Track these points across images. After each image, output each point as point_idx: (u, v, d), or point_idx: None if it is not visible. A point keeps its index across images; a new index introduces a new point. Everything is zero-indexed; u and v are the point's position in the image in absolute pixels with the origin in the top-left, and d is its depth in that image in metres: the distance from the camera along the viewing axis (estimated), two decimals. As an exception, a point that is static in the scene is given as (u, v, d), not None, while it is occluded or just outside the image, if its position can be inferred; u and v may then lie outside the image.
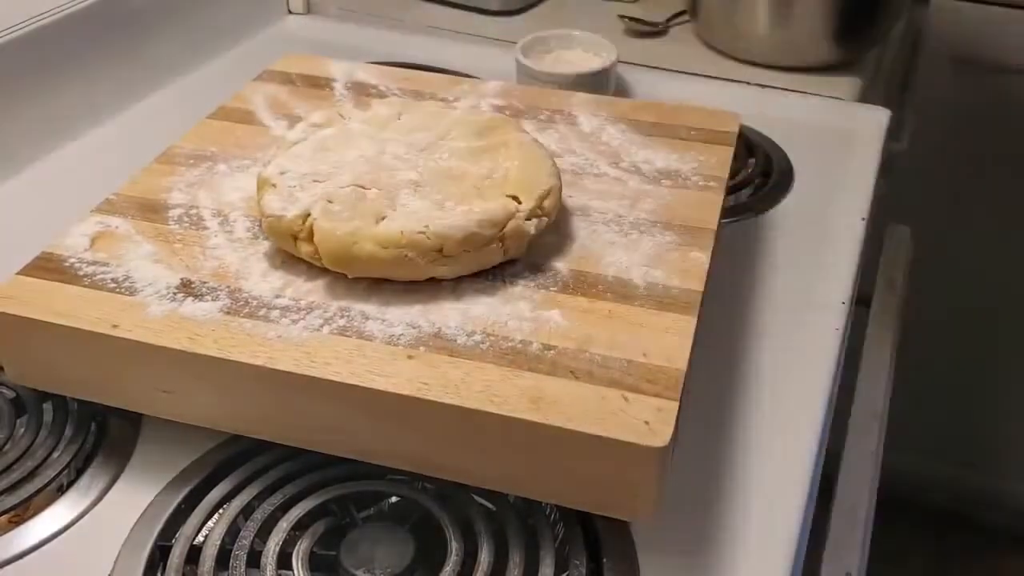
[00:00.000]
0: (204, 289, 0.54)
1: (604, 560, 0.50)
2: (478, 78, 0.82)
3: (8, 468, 0.54)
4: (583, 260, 0.57)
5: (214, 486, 0.53)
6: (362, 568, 0.48)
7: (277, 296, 0.54)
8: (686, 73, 0.98)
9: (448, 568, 0.48)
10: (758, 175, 0.82)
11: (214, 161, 0.66)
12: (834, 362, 0.63)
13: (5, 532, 0.51)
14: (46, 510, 0.52)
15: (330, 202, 0.55)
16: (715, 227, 0.60)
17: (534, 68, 0.88)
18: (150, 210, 0.60)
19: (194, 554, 0.49)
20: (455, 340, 0.51)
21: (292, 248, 0.55)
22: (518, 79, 0.90)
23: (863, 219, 0.76)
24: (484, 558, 0.49)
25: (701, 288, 0.55)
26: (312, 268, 0.55)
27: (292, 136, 0.63)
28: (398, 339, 0.51)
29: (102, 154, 0.82)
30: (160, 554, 0.50)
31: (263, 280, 0.55)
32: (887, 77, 1.10)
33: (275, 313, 0.52)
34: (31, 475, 0.54)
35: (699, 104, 0.75)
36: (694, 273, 0.56)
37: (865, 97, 0.99)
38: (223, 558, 0.49)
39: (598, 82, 0.88)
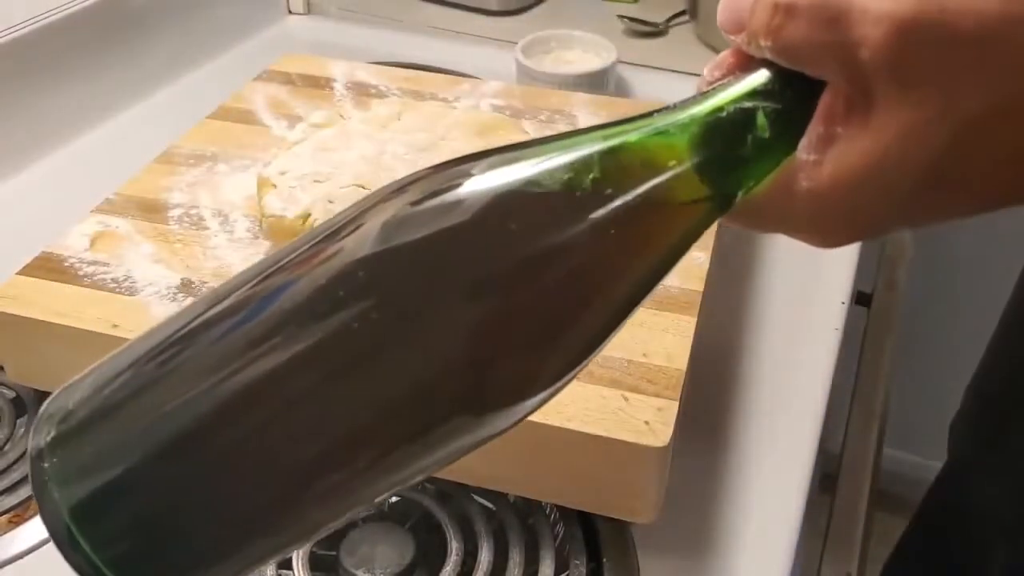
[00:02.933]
0: (205, 289, 0.54)
1: (604, 560, 0.50)
2: (478, 78, 0.82)
3: (8, 468, 0.54)
4: (583, 260, 0.57)
5: (214, 486, 0.53)
6: (362, 568, 0.48)
7: (277, 296, 0.53)
8: (686, 73, 0.98)
9: (448, 568, 0.48)
10: (758, 175, 0.82)
11: (214, 161, 0.66)
12: (833, 362, 0.63)
13: (5, 532, 0.51)
14: (46, 510, 0.52)
15: (331, 202, 0.55)
16: (715, 227, 0.60)
17: (534, 68, 0.88)
18: (150, 210, 0.60)
19: (194, 554, 0.49)
20: (455, 340, 0.51)
21: (292, 248, 0.55)
22: (518, 79, 0.90)
23: (863, 219, 0.76)
24: (484, 558, 0.49)
25: (701, 288, 0.55)
26: (312, 268, 0.55)
27: (292, 136, 0.63)
28: (398, 339, 0.51)
29: (102, 154, 0.82)
30: (160, 554, 0.50)
31: (263, 280, 0.55)
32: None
33: (275, 313, 0.52)
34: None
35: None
36: (694, 273, 0.56)
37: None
38: (223, 558, 0.49)
39: (598, 82, 0.88)
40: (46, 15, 0.79)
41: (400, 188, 0.28)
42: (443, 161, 0.29)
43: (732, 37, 0.30)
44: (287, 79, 0.77)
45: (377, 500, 0.28)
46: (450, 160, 0.29)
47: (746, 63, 0.30)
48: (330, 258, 0.27)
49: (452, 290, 0.26)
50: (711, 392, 0.60)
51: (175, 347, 0.27)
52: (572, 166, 0.28)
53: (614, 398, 0.47)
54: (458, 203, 0.27)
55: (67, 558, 0.26)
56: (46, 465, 0.26)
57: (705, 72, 0.31)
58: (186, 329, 0.27)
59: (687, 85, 0.30)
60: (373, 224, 0.27)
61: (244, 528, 0.27)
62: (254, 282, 0.28)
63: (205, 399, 0.26)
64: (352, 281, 0.26)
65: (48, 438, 0.27)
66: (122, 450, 0.26)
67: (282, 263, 0.28)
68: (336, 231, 0.28)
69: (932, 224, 0.30)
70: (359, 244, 0.27)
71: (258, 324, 0.26)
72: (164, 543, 0.26)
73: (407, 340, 0.26)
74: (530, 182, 0.27)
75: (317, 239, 0.28)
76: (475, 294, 0.26)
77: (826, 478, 0.65)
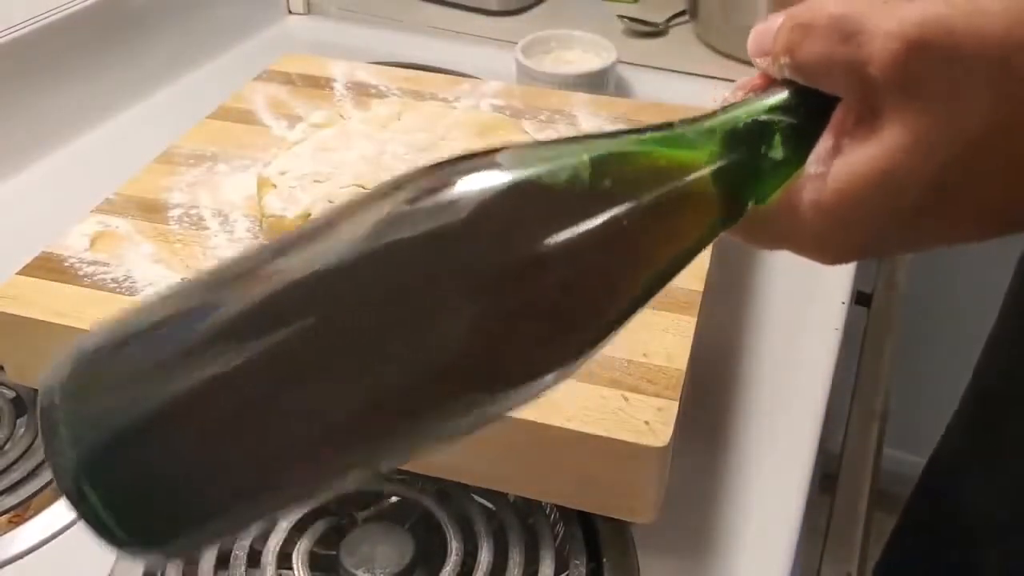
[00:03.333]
0: (204, 289, 0.54)
1: (604, 560, 0.50)
2: (478, 78, 0.82)
3: (8, 468, 0.54)
4: (583, 260, 0.57)
5: (214, 486, 0.53)
6: (362, 568, 0.48)
7: (277, 296, 0.53)
8: (686, 73, 0.98)
9: (448, 568, 0.48)
10: (758, 175, 0.82)
11: (214, 161, 0.66)
12: (833, 362, 0.63)
13: (5, 532, 0.51)
14: (46, 510, 0.52)
15: (331, 202, 0.55)
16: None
17: (534, 68, 0.88)
18: (150, 210, 0.61)
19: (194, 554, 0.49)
20: (455, 340, 0.51)
21: (292, 248, 0.55)
22: (518, 79, 0.90)
23: (863, 219, 0.76)
24: (484, 558, 0.49)
25: (701, 288, 0.55)
26: (312, 268, 0.55)
27: (292, 136, 0.63)
28: (398, 339, 0.51)
29: (102, 154, 0.82)
30: (160, 554, 0.50)
31: (263, 280, 0.55)
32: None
33: (275, 313, 0.52)
34: (31, 475, 0.54)
35: (699, 104, 0.75)
36: (694, 273, 0.56)
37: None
38: (223, 558, 0.49)
39: (598, 82, 0.88)
40: (46, 15, 0.79)
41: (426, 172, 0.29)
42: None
43: (758, 61, 0.32)
44: (287, 79, 0.77)
45: (387, 469, 0.29)
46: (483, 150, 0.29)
47: (769, 85, 0.32)
48: (333, 249, 0.27)
49: (460, 282, 0.26)
50: (711, 392, 0.60)
51: (195, 312, 0.28)
52: (591, 164, 0.28)
53: (614, 398, 0.47)
54: (480, 185, 0.27)
55: (71, 500, 0.26)
56: (57, 402, 0.27)
57: (728, 93, 0.33)
58: (203, 298, 0.28)
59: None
60: (377, 212, 0.27)
61: (252, 483, 0.27)
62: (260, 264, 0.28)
63: (224, 357, 0.26)
64: (362, 272, 0.27)
65: (61, 382, 0.27)
66: (134, 399, 0.27)
67: (289, 241, 0.28)
68: (335, 219, 0.28)
69: (933, 248, 0.31)
70: (358, 235, 0.27)
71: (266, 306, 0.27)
72: (172, 492, 0.27)
73: (411, 327, 0.26)
74: (548, 175, 0.28)
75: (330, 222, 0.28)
76: (482, 288, 0.26)
77: (826, 478, 0.65)
